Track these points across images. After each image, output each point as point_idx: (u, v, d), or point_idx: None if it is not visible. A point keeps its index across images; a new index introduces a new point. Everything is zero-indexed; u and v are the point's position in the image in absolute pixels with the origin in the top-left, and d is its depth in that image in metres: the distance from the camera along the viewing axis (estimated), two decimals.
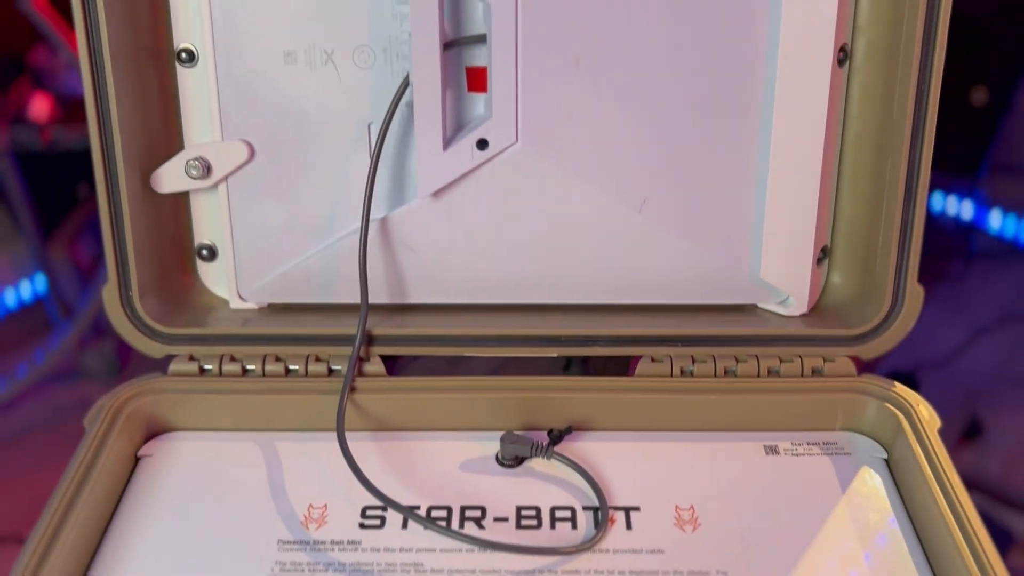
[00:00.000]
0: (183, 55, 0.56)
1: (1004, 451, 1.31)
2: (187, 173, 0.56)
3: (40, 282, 1.40)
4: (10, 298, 1.41)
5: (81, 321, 1.32)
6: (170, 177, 0.56)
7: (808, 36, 0.53)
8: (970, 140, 0.90)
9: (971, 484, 1.03)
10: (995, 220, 1.59)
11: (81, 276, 1.36)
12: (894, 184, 0.54)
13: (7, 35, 1.31)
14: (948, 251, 1.56)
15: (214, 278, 0.60)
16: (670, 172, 0.56)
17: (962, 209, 1.60)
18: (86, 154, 0.54)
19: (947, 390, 1.37)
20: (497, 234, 0.57)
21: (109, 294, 0.55)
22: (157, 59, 0.56)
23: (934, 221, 1.56)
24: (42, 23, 1.20)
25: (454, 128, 0.56)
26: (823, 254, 0.59)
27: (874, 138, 0.56)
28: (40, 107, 1.31)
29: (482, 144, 0.54)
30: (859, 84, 0.56)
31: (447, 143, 0.54)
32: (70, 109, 1.30)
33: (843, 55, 0.55)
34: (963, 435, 1.31)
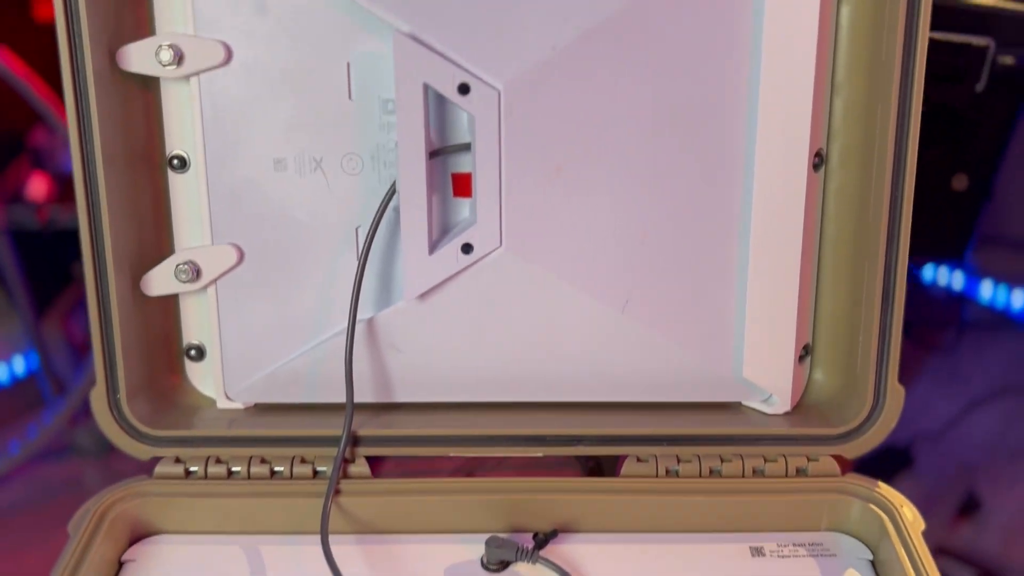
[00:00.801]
0: (175, 161, 0.57)
1: (1002, 525, 1.30)
2: (177, 277, 0.57)
3: (33, 358, 1.40)
4: (3, 373, 1.42)
5: (73, 398, 1.32)
6: (160, 280, 0.57)
7: (784, 141, 0.55)
8: (954, 223, 0.91)
9: (969, 559, 1.02)
10: (986, 290, 1.60)
11: (74, 353, 1.36)
12: (872, 284, 0.55)
13: (8, 115, 1.34)
14: (940, 321, 1.57)
15: (201, 377, 0.60)
16: (652, 272, 0.57)
17: (953, 279, 1.61)
18: None
19: (943, 464, 1.37)
20: (482, 334, 0.57)
21: (97, 397, 0.56)
22: (149, 165, 0.57)
23: (925, 292, 1.58)
24: (41, 105, 1.22)
25: (440, 232, 0.57)
26: (805, 352, 0.59)
27: (851, 239, 0.57)
28: (38, 187, 1.32)
29: (467, 248, 0.55)
30: (835, 186, 0.57)
31: (433, 247, 0.55)
32: (67, 188, 1.32)
33: (819, 159, 0.56)
34: (960, 510, 1.30)
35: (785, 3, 0.53)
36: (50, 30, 0.52)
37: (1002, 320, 1.58)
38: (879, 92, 0.53)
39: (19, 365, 1.45)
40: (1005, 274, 1.54)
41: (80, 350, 1.36)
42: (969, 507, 1.29)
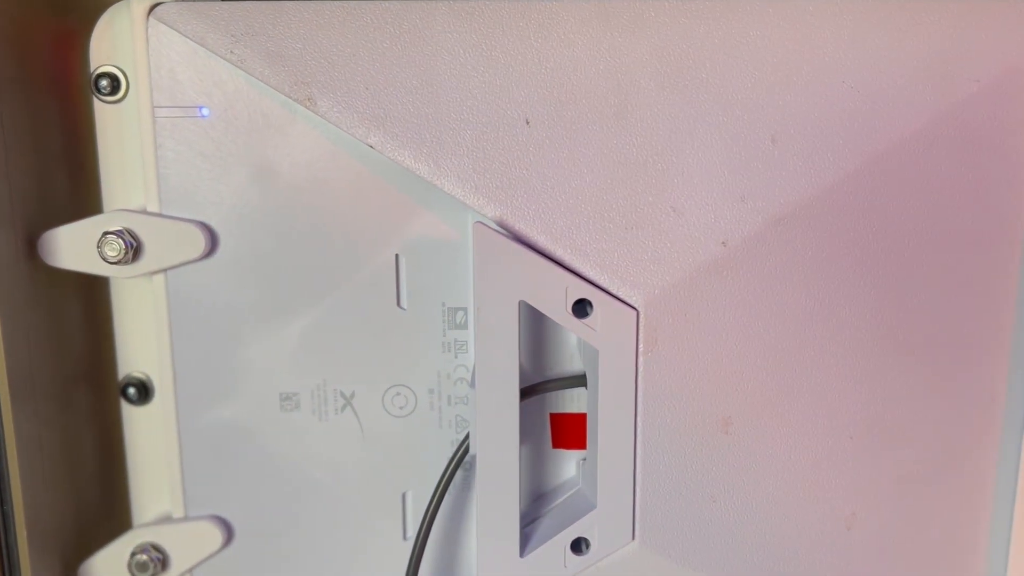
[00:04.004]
0: (130, 390, 0.38)
1: None
2: (132, 570, 0.37)
3: None
4: None
5: None
6: (106, 572, 0.37)
7: None
8: None
9: None
10: None
11: None
12: None
13: None
14: None
15: None
16: (863, 570, 0.37)
17: None
18: None
19: None
20: None
21: None
22: (93, 391, 0.38)
23: None
24: None
25: (530, 503, 0.37)
26: None
27: None
28: None
29: (580, 546, 0.35)
30: None
31: (525, 542, 0.36)
32: None
33: None
34: None
35: None
36: None
37: None
38: None
39: None
40: None
41: None
42: None
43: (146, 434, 0.38)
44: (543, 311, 0.33)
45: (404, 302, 0.36)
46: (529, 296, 0.33)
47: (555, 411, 0.37)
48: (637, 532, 0.35)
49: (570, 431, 0.37)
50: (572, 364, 0.37)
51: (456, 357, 0.37)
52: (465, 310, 0.36)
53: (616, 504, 0.35)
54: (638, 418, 0.34)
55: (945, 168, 0.34)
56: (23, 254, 0.35)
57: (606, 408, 0.34)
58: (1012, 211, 0.35)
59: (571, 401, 0.37)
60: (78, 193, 0.37)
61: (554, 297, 0.33)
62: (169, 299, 0.36)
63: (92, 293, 0.38)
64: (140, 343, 0.38)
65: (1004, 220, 0.35)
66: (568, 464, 0.38)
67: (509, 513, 0.35)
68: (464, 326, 0.36)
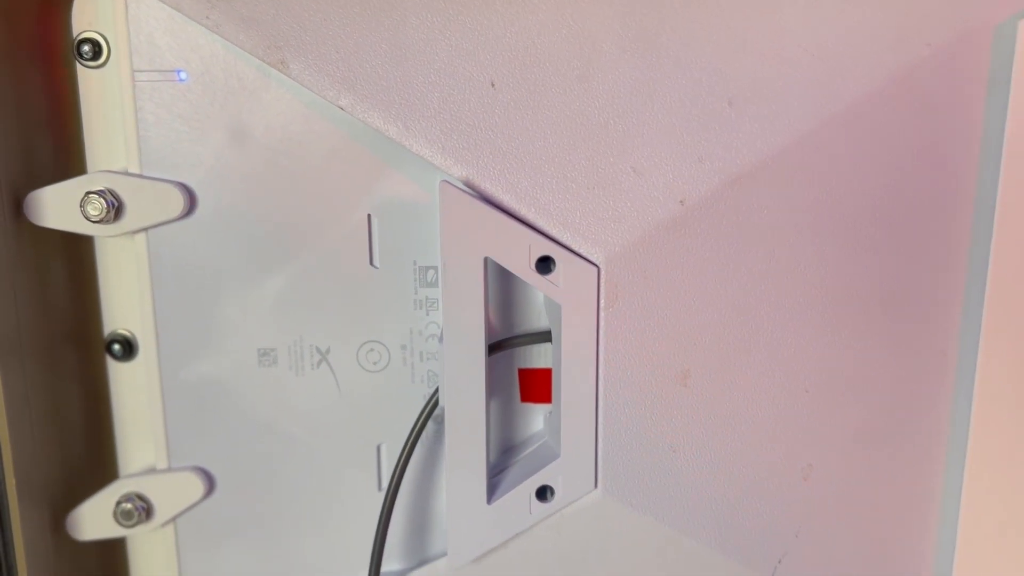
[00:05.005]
0: (115, 347, 0.39)
1: None
2: (118, 518, 0.39)
3: None
4: None
5: None
6: (94, 521, 0.39)
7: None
8: None
9: None
10: None
11: None
12: None
13: None
14: None
15: None
16: (815, 523, 0.38)
17: None
18: None
19: None
20: None
21: None
22: (80, 350, 0.40)
23: None
24: None
25: (499, 455, 0.39)
26: None
27: None
28: None
29: (545, 493, 0.37)
30: None
31: (492, 491, 0.37)
32: None
33: None
34: None
35: None
36: None
37: None
38: None
39: None
40: None
41: None
42: None
43: (131, 389, 0.40)
44: (508, 267, 0.34)
45: (377, 261, 0.37)
46: (494, 253, 0.34)
47: (523, 367, 0.39)
48: (599, 480, 0.37)
49: (537, 386, 0.39)
50: (539, 321, 0.38)
51: (427, 314, 0.38)
52: (436, 268, 0.37)
53: (579, 453, 0.36)
54: (599, 370, 0.36)
55: (898, 130, 0.35)
56: (10, 215, 0.36)
57: (569, 361, 0.35)
58: (964, 172, 0.36)
59: (539, 357, 0.39)
60: (62, 156, 0.38)
61: (518, 254, 0.34)
62: (151, 258, 0.37)
63: (77, 254, 0.39)
64: (124, 301, 0.39)
65: (956, 181, 0.36)
66: (536, 418, 0.39)
67: (477, 462, 0.36)
68: (435, 284, 0.38)
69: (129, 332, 0.40)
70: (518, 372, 0.39)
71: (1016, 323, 0.36)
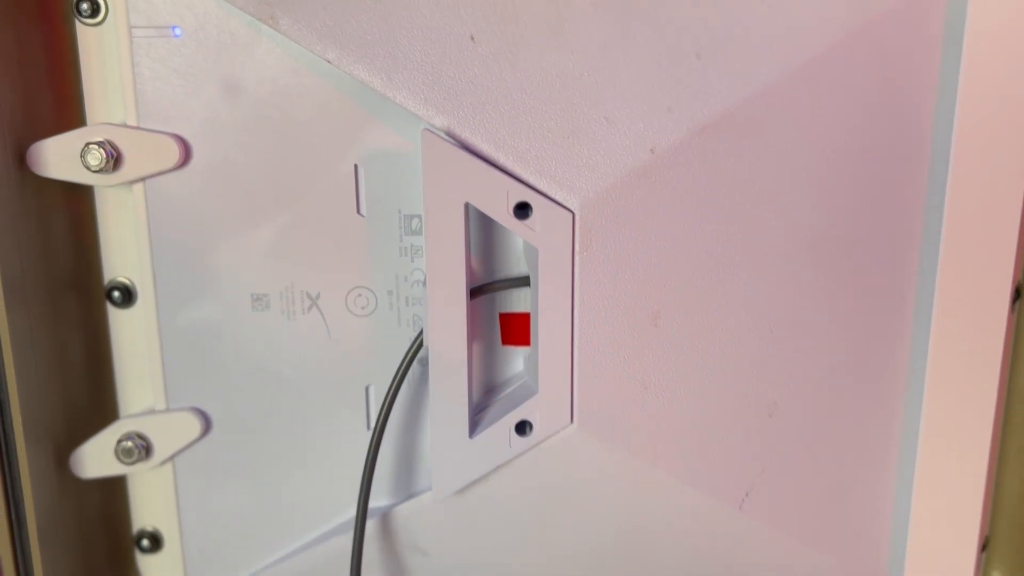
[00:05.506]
0: (115, 294, 0.41)
1: None
2: (119, 456, 0.41)
3: None
4: None
5: None
6: (96, 459, 0.41)
7: (977, 272, 0.39)
8: None
9: None
10: None
11: None
12: None
13: None
14: None
15: (157, 574, 0.45)
16: (780, 457, 0.41)
17: None
18: None
19: None
20: (541, 539, 0.41)
21: None
22: (81, 295, 0.41)
23: None
24: None
25: (482, 395, 0.41)
26: (982, 548, 0.44)
27: None
28: None
29: (523, 428, 0.39)
30: None
31: (474, 426, 0.39)
32: None
33: (1017, 294, 0.40)
34: None
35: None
36: None
37: None
38: None
39: None
40: None
41: None
42: None
43: (130, 334, 0.42)
44: (487, 213, 0.36)
45: (363, 209, 0.39)
46: (474, 199, 0.36)
47: (505, 311, 0.41)
48: (575, 416, 0.39)
49: (517, 329, 0.41)
50: (519, 267, 0.40)
51: (412, 261, 0.40)
52: (420, 217, 0.39)
53: (555, 390, 0.38)
54: (575, 311, 0.38)
55: (859, 82, 0.37)
56: (13, 167, 0.38)
57: (546, 302, 0.37)
58: (920, 122, 0.38)
59: (519, 302, 0.41)
60: (63, 109, 0.40)
61: (497, 200, 0.36)
62: (148, 207, 0.39)
63: (78, 205, 0.41)
64: (123, 250, 0.41)
65: (913, 130, 0.38)
66: (517, 360, 0.41)
67: (459, 399, 0.38)
68: (419, 232, 0.40)
69: (128, 280, 0.41)
70: (499, 316, 0.41)
71: (970, 264, 0.38)
